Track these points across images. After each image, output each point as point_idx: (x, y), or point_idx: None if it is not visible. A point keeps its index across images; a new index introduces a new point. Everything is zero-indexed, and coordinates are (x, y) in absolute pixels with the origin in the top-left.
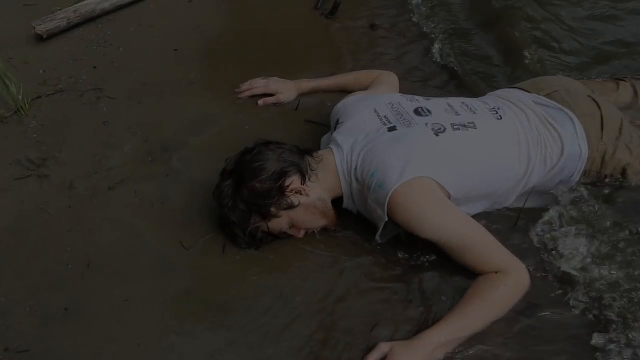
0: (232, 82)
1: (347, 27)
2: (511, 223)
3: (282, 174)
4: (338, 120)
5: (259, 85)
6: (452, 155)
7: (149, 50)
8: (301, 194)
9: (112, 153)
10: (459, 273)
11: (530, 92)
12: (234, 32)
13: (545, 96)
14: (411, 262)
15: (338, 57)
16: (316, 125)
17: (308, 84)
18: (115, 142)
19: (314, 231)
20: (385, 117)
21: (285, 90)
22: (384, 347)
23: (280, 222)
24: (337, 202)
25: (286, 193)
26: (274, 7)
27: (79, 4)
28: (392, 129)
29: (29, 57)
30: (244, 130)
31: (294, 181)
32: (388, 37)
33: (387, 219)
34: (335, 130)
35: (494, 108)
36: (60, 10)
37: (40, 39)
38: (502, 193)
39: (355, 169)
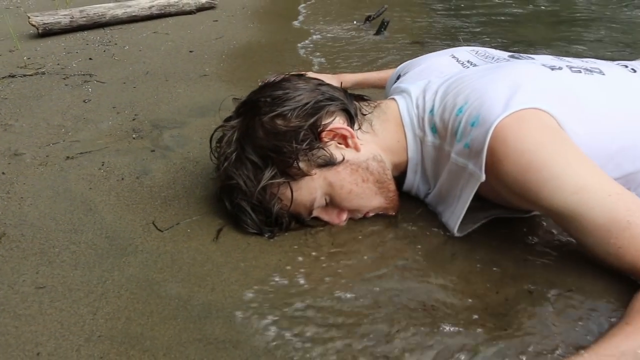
0: (253, 78)
1: (394, 42)
2: None
3: (318, 108)
4: (398, 77)
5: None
6: (576, 95)
7: (160, 50)
8: (347, 144)
9: (85, 127)
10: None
11: None
12: (261, 42)
13: None
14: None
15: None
16: None
17: (351, 77)
18: (92, 117)
19: (364, 216)
20: (468, 61)
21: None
22: None
23: (310, 188)
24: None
25: (323, 138)
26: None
27: (88, 6)
28: None
29: (17, 47)
30: None
31: (336, 121)
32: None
33: (483, 177)
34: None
35: (619, 63)
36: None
37: (36, 32)
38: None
39: (431, 111)
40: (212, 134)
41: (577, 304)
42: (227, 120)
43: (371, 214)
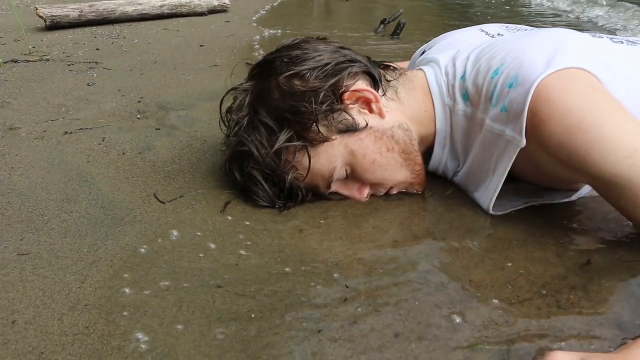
0: None
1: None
2: None
3: (340, 70)
4: (423, 53)
5: None
6: (620, 63)
7: (170, 43)
8: (371, 109)
9: (87, 107)
10: None
11: None
12: (275, 42)
13: None
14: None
15: None
16: None
17: None
18: (95, 99)
19: (387, 191)
20: (498, 34)
21: None
22: (564, 358)
23: (330, 156)
24: None
25: (345, 100)
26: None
27: (98, 1)
28: None
29: (23, 37)
30: None
31: (359, 83)
32: None
33: (523, 142)
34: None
35: None
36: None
37: (44, 25)
38: None
39: (463, 77)
40: (222, 99)
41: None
42: (240, 84)
43: (395, 191)
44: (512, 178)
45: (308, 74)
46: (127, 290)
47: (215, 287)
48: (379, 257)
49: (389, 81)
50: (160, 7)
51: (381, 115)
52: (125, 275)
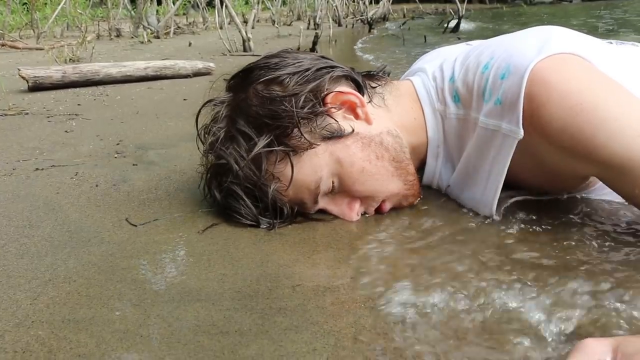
0: None
1: None
2: None
3: (321, 75)
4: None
5: None
6: (607, 55)
7: (153, 99)
8: (356, 115)
9: (62, 149)
10: None
11: None
12: None
13: None
14: None
15: None
16: None
17: None
18: (72, 142)
19: (379, 207)
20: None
21: None
22: (596, 347)
23: (314, 165)
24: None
25: (328, 103)
26: None
27: (82, 63)
28: None
29: (3, 97)
30: None
31: (342, 87)
32: None
33: (521, 133)
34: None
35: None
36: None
37: (27, 86)
38: None
39: (451, 78)
40: (198, 113)
41: None
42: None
43: (388, 206)
44: (508, 185)
45: (287, 79)
46: (84, 307)
47: (183, 304)
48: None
49: (374, 87)
50: (145, 68)
51: (367, 120)
52: (85, 292)
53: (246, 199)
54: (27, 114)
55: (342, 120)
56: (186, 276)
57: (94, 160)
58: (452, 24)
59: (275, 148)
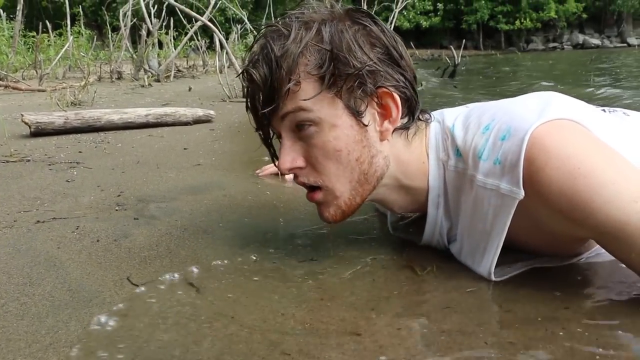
0: (251, 168)
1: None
2: None
3: (393, 72)
4: None
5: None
6: (602, 122)
7: (154, 147)
8: (381, 122)
9: (63, 200)
10: None
11: None
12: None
13: None
14: None
15: None
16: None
17: None
18: (73, 193)
19: (311, 193)
20: None
21: None
22: None
23: (322, 105)
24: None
25: (377, 93)
26: None
27: (84, 110)
28: None
29: (6, 142)
30: (261, 196)
31: (396, 96)
32: None
33: (521, 194)
34: None
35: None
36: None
37: (29, 132)
38: None
39: (453, 133)
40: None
41: None
42: None
43: (318, 197)
44: (505, 247)
45: (374, 47)
46: None
47: None
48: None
49: (409, 127)
50: (146, 115)
51: (382, 134)
52: (87, 357)
53: (264, 69)
54: (28, 160)
55: (369, 114)
56: (184, 342)
57: (95, 213)
58: (449, 71)
59: (323, 69)
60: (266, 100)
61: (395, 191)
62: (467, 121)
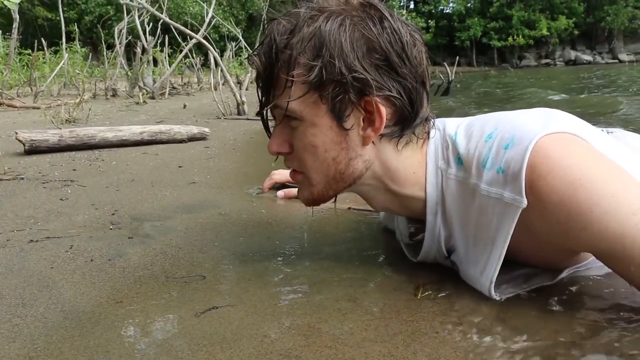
0: (245, 185)
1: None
2: None
3: (388, 79)
4: None
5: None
6: (608, 142)
7: (148, 165)
8: (365, 129)
9: (57, 219)
10: None
11: None
12: (250, 166)
13: None
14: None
15: None
16: (360, 214)
17: None
18: (67, 211)
19: (293, 173)
20: None
21: None
22: None
23: (305, 104)
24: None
25: (364, 101)
26: None
27: (78, 128)
28: None
29: (0, 160)
30: (256, 214)
31: (383, 109)
32: None
33: (524, 202)
34: None
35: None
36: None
37: (23, 149)
38: None
39: (455, 141)
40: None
41: None
42: None
43: (298, 177)
44: (506, 260)
45: (378, 48)
46: None
47: None
48: None
49: (414, 135)
50: (140, 133)
51: (364, 141)
52: None
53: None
54: (22, 178)
55: (353, 117)
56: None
57: (89, 232)
58: (443, 87)
59: (313, 63)
60: (263, 89)
61: (380, 192)
62: (469, 130)
